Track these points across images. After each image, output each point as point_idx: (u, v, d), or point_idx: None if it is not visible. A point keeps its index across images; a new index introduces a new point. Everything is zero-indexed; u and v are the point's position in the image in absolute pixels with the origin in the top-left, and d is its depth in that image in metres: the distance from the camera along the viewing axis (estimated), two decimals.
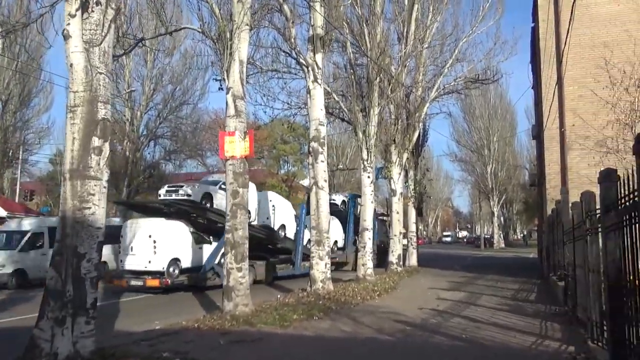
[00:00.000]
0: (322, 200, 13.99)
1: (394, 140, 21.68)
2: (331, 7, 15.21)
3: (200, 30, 11.02)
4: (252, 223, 16.71)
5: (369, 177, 18.32)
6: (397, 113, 21.94)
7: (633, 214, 4.08)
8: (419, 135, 24.56)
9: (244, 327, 8.86)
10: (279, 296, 13.65)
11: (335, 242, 22.36)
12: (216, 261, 16.16)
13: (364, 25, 18.49)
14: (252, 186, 15.38)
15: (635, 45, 13.70)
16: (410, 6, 21.59)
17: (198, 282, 16.11)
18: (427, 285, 16.15)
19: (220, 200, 15.93)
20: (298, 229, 19.82)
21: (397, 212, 22.32)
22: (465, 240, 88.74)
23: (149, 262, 15.75)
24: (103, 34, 6.66)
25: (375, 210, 36.13)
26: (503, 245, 62.49)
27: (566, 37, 15.24)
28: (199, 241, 17.06)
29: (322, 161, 14.13)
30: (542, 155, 18.92)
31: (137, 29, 28.58)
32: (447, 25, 23.59)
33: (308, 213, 15.74)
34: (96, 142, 6.57)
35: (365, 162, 18.31)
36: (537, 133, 21.61)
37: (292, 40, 14.34)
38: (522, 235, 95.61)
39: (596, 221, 5.86)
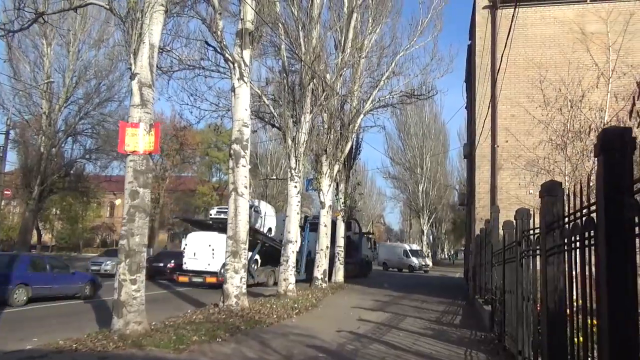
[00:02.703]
0: (242, 208, 12.84)
1: (326, 151, 20.85)
2: (263, 3, 14.25)
3: (107, 7, 9.68)
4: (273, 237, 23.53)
5: (295, 186, 17.34)
6: (331, 123, 21.13)
7: (586, 234, 3.26)
8: (351, 147, 23.92)
9: (130, 350, 7.57)
10: (189, 311, 12.37)
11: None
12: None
13: (300, 28, 17.62)
14: (270, 207, 23.54)
15: (570, 67, 13.53)
16: (349, 13, 20.97)
17: None
18: (350, 304, 15.27)
19: (254, 220, 20.22)
20: (303, 242, 23.26)
21: (325, 225, 21.44)
22: None
23: (208, 264, 20.95)
24: None
25: (360, 227, 37.36)
26: (431, 264, 63.11)
27: (502, 56, 14.90)
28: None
29: (244, 166, 13.01)
30: (473, 174, 18.63)
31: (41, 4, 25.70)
32: (385, 38, 23.23)
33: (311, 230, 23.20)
34: None
35: (293, 171, 17.33)
36: (469, 152, 21.42)
37: (219, 33, 13.18)
38: (449, 254, 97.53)
39: (534, 242, 5.09)
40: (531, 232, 5.27)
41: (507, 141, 15.57)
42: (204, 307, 12.83)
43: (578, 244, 3.47)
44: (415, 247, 51.14)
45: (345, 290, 20.68)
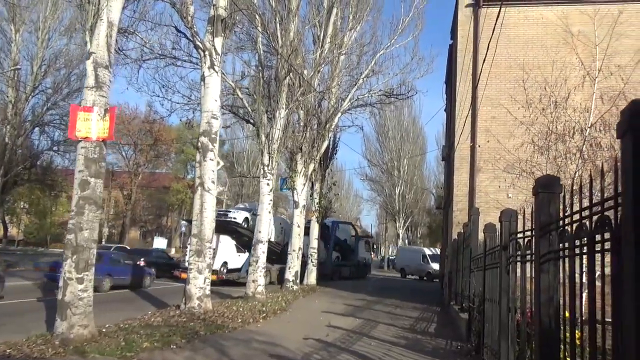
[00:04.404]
0: (208, 204, 12.08)
1: (301, 149, 20.17)
2: None
3: None
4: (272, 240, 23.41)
5: (268, 184, 16.61)
6: (307, 120, 20.44)
7: (596, 237, 2.65)
8: (328, 146, 23.27)
9: (70, 357, 6.80)
10: (149, 312, 11.58)
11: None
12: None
13: (277, 20, 16.93)
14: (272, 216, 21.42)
15: (554, 67, 13.08)
16: (329, 8, 20.36)
17: (237, 279, 23.45)
18: (321, 308, 14.61)
19: (253, 222, 19.75)
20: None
21: (298, 226, 20.77)
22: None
23: None
24: None
25: (356, 230, 37.59)
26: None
27: (484, 57, 14.45)
28: (238, 250, 24.87)
29: (212, 159, 12.25)
30: (451, 177, 18.12)
31: None
32: (365, 36, 22.65)
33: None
34: None
35: (266, 168, 16.62)
36: (448, 153, 20.96)
37: (189, 18, 12.40)
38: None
39: (524, 247, 4.48)
40: (520, 235, 4.67)
41: (488, 141, 15.09)
42: (165, 309, 12.04)
43: (585, 249, 2.85)
44: (434, 251, 44.32)
45: (317, 293, 20.02)
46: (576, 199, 3.65)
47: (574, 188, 3.08)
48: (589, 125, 10.39)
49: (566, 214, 3.29)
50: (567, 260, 3.24)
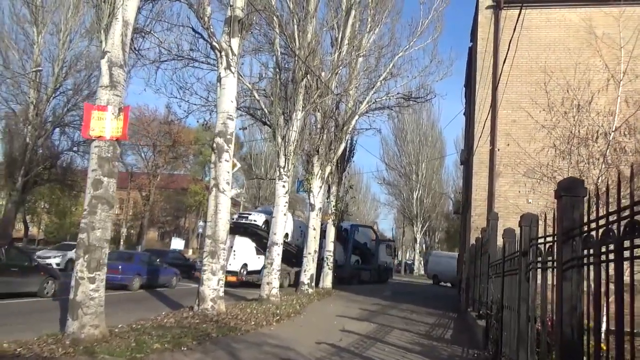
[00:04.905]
0: (223, 205, 12.01)
1: (318, 151, 20.04)
2: None
3: None
4: (291, 243, 25.13)
5: (284, 186, 16.50)
6: (324, 122, 20.32)
7: (624, 243, 2.46)
8: (345, 149, 23.11)
9: (79, 358, 6.72)
10: (162, 313, 11.53)
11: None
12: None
13: (295, 22, 16.84)
14: (289, 215, 23.49)
15: (577, 70, 12.77)
16: (347, 10, 20.22)
17: (257, 280, 22.03)
18: (335, 312, 14.44)
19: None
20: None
21: (314, 229, 20.62)
22: None
23: (230, 264, 21.82)
24: None
25: (377, 234, 37.85)
26: (423, 272, 62.36)
27: (504, 59, 14.22)
28: (258, 252, 24.47)
29: (227, 160, 12.17)
30: (470, 181, 17.84)
31: None
32: (384, 38, 22.45)
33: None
34: None
35: (282, 170, 16.51)
36: (466, 157, 20.66)
37: (206, 19, 12.37)
38: None
39: (545, 253, 4.28)
40: (541, 240, 4.46)
41: (508, 145, 14.80)
42: (178, 310, 11.98)
43: (612, 255, 2.66)
44: None
45: (332, 297, 19.85)
46: (601, 204, 3.46)
47: (599, 192, 2.89)
48: (614, 129, 10.09)
49: (591, 219, 3.09)
50: (591, 267, 3.04)
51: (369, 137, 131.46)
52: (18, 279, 14.00)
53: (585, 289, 3.26)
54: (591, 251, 3.06)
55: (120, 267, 18.40)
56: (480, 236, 12.23)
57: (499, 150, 15.26)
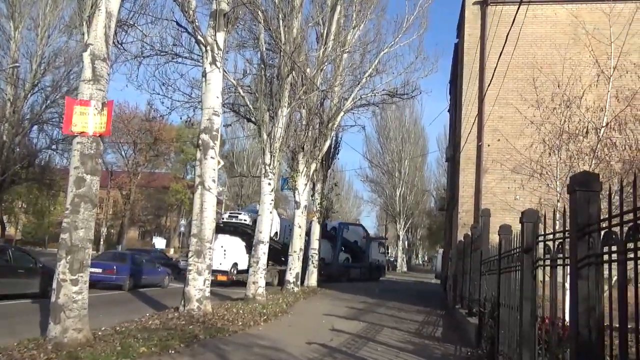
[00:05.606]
0: (208, 203, 11.72)
1: (303, 148, 19.82)
2: None
3: None
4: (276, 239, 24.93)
5: (269, 183, 16.25)
6: (309, 119, 20.11)
7: None
8: (330, 146, 22.93)
9: None
10: (146, 315, 11.21)
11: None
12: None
13: (280, 17, 16.58)
14: (275, 212, 22.81)
15: (565, 65, 12.72)
16: (332, 5, 20.01)
17: (247, 279, 22.69)
18: (323, 311, 14.25)
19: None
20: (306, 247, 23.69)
21: (300, 227, 20.42)
22: None
23: (220, 264, 22.91)
24: None
25: (367, 232, 38.07)
26: (406, 269, 62.58)
27: (499, 56, 14.20)
28: (248, 252, 22.72)
29: (213, 157, 11.89)
30: (456, 178, 17.80)
31: None
32: (369, 35, 22.32)
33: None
34: None
35: (267, 167, 16.26)
36: (452, 154, 20.63)
37: (191, 12, 12.04)
38: (423, 260, 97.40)
39: (555, 250, 4.13)
40: (549, 237, 4.31)
41: (499, 140, 14.73)
42: (163, 311, 11.68)
43: None
44: None
45: (318, 295, 19.68)
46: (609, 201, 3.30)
47: (622, 185, 2.74)
48: (604, 125, 10.05)
49: (613, 214, 2.93)
50: (611, 265, 2.89)
51: (353, 134, 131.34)
52: (23, 280, 14.39)
53: (604, 287, 3.12)
54: (613, 248, 2.90)
55: (115, 267, 18.64)
56: (469, 233, 12.13)
57: (489, 145, 15.22)
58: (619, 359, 2.73)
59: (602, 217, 3.24)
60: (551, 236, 4.22)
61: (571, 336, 3.41)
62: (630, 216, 2.78)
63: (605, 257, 3.09)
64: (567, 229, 3.86)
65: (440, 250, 51.42)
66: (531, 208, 5.26)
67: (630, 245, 2.65)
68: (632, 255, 2.64)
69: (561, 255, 3.93)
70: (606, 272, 3.11)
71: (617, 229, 2.93)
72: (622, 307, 2.75)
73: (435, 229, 65.89)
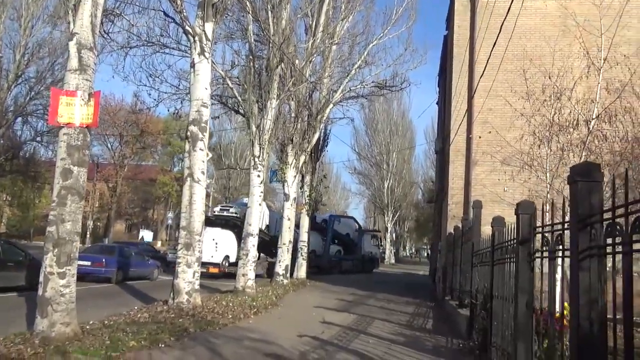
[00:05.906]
0: (198, 195, 11.59)
1: (292, 140, 19.72)
2: None
3: None
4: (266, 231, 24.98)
5: (259, 176, 16.14)
6: (298, 111, 20.00)
7: None
8: (319, 138, 22.83)
9: (50, 358, 6.30)
10: (135, 308, 11.07)
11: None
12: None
13: (268, 8, 16.39)
14: (265, 205, 23.89)
15: (556, 57, 12.72)
16: None
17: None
18: (313, 303, 14.21)
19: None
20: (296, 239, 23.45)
21: (289, 219, 20.34)
22: None
23: (212, 256, 23.42)
24: None
25: (359, 225, 38.15)
26: (394, 261, 62.81)
27: (491, 49, 14.15)
28: (239, 244, 23.45)
29: (202, 149, 11.74)
30: (445, 170, 17.81)
31: None
32: (358, 26, 22.22)
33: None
34: None
35: (257, 159, 16.13)
36: (442, 146, 20.64)
37: (179, 2, 11.85)
38: (410, 252, 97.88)
39: (554, 242, 4.09)
40: (547, 228, 4.27)
41: (489, 132, 14.74)
42: (152, 304, 11.55)
43: None
44: None
45: (308, 288, 19.65)
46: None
47: (614, 177, 2.69)
48: (594, 117, 10.07)
49: (617, 205, 2.89)
50: (616, 257, 2.84)
51: (341, 127, 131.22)
52: (12, 273, 14.38)
53: (607, 280, 3.08)
54: (617, 239, 2.85)
55: (103, 260, 18.66)
56: (460, 224, 12.14)
57: (479, 137, 15.22)
58: (624, 353, 2.69)
59: (604, 208, 3.19)
60: (549, 228, 4.18)
61: (572, 328, 3.38)
62: (634, 207, 2.74)
63: (609, 248, 3.05)
64: (566, 220, 3.82)
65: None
66: (527, 200, 5.23)
67: (636, 237, 2.61)
68: (638, 247, 2.60)
69: (561, 247, 3.88)
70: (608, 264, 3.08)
71: (620, 220, 2.88)
72: (627, 299, 2.71)
73: (422, 221, 66.18)
